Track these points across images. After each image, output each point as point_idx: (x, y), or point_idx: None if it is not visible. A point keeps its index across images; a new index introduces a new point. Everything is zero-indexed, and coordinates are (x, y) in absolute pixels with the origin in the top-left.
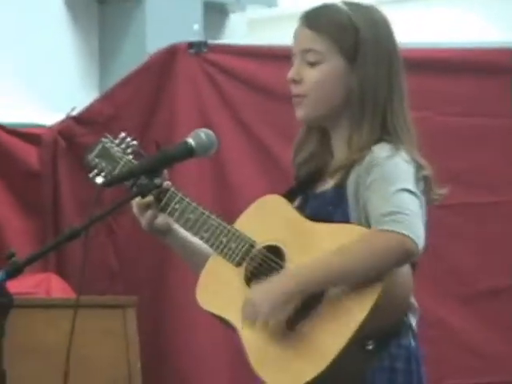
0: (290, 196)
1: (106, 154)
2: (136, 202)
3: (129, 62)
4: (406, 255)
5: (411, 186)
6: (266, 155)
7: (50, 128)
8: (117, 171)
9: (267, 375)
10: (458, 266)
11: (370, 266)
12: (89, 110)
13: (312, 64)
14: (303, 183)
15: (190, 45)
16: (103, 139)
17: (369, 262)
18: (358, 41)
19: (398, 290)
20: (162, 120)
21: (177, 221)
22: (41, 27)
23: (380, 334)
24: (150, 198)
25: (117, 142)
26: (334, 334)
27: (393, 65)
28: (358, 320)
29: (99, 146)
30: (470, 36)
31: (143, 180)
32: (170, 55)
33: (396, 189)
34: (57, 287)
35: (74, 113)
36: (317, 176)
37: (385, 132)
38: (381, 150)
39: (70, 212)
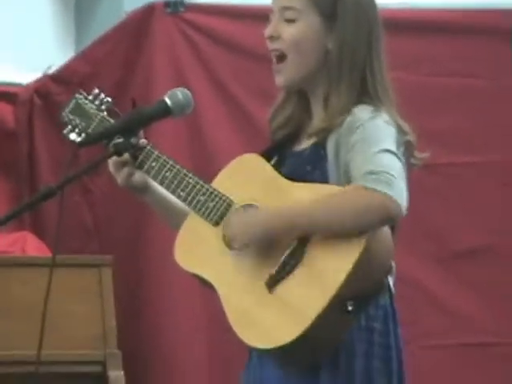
0: (266, 155)
1: (80, 110)
2: (112, 159)
3: (105, 20)
4: (388, 216)
5: (393, 147)
6: (241, 114)
7: (26, 86)
8: (91, 128)
9: (247, 336)
10: (436, 226)
11: (350, 220)
12: (65, 69)
13: (290, 21)
14: (279, 143)
15: (167, 4)
16: (77, 95)
17: (350, 215)
18: (336, 0)
19: (379, 250)
20: (139, 79)
21: (153, 179)
22: None
23: (360, 295)
24: (126, 156)
25: (90, 98)
26: (314, 294)
27: (373, 26)
28: (338, 280)
29: (73, 102)
30: None
31: (119, 139)
32: (147, 14)
33: (379, 149)
34: (32, 246)
35: (51, 71)
36: (293, 137)
37: (365, 94)
38: (362, 112)
39: (46, 171)
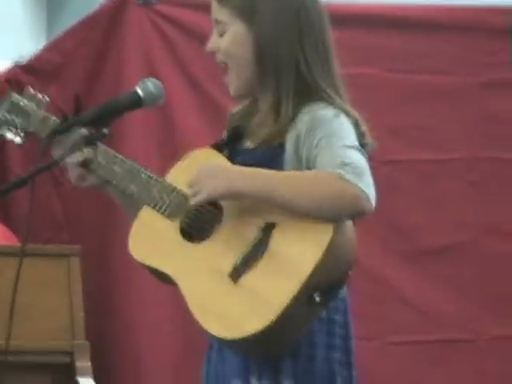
0: (217, 149)
1: (18, 109)
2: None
3: (77, 10)
4: (360, 209)
5: (357, 143)
6: (212, 106)
7: None
8: (32, 126)
9: (212, 326)
10: (402, 224)
11: (322, 202)
12: (36, 59)
13: (221, 34)
14: (230, 137)
15: None
16: (12, 94)
17: (323, 197)
18: (254, 1)
19: (345, 242)
20: (110, 68)
21: (103, 175)
22: None
23: (327, 287)
24: (82, 157)
25: (26, 96)
26: (281, 285)
27: (301, 20)
28: (306, 270)
29: (8, 102)
30: None
31: (89, 130)
32: (120, 5)
33: (347, 145)
34: (0, 235)
35: (22, 61)
36: (243, 131)
37: (307, 89)
38: (324, 109)
39: (16, 164)
